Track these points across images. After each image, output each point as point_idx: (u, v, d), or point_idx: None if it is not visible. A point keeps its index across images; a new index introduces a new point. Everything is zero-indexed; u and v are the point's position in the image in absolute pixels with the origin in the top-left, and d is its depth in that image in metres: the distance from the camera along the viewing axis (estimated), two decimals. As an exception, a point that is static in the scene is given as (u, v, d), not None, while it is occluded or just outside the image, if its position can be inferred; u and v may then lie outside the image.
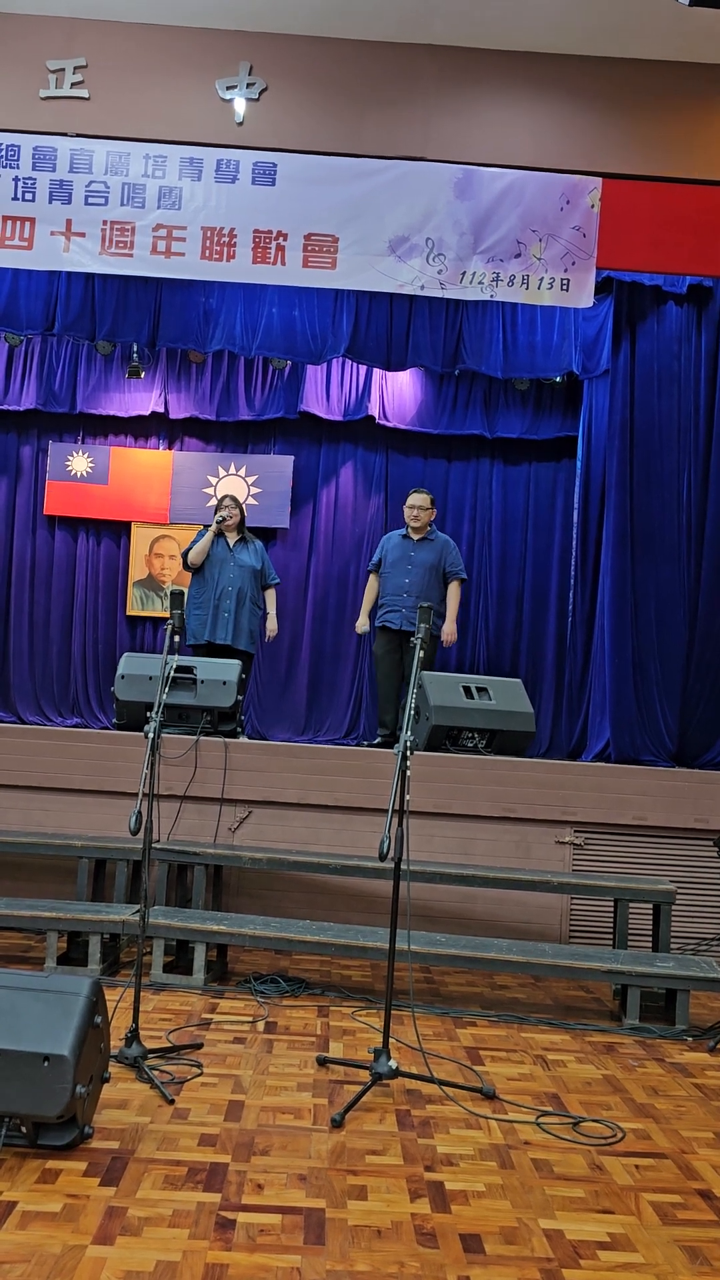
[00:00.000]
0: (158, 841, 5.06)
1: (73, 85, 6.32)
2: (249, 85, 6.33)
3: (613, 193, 6.32)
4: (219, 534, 6.73)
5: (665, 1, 5.63)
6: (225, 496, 6.93)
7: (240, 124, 6.34)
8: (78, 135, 6.31)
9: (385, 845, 3.25)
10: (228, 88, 6.34)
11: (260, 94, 6.35)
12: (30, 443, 8.67)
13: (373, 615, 6.85)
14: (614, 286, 6.92)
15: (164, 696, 3.65)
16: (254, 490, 8.46)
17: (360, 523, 8.58)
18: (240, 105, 6.33)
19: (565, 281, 6.32)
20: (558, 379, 7.97)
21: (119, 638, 8.62)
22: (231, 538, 6.76)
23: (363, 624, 6.91)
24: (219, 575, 6.68)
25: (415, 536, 6.78)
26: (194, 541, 6.80)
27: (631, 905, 4.96)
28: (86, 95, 6.33)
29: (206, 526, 6.84)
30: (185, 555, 6.82)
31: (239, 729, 5.87)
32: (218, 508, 6.84)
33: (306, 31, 6.32)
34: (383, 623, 6.76)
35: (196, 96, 6.34)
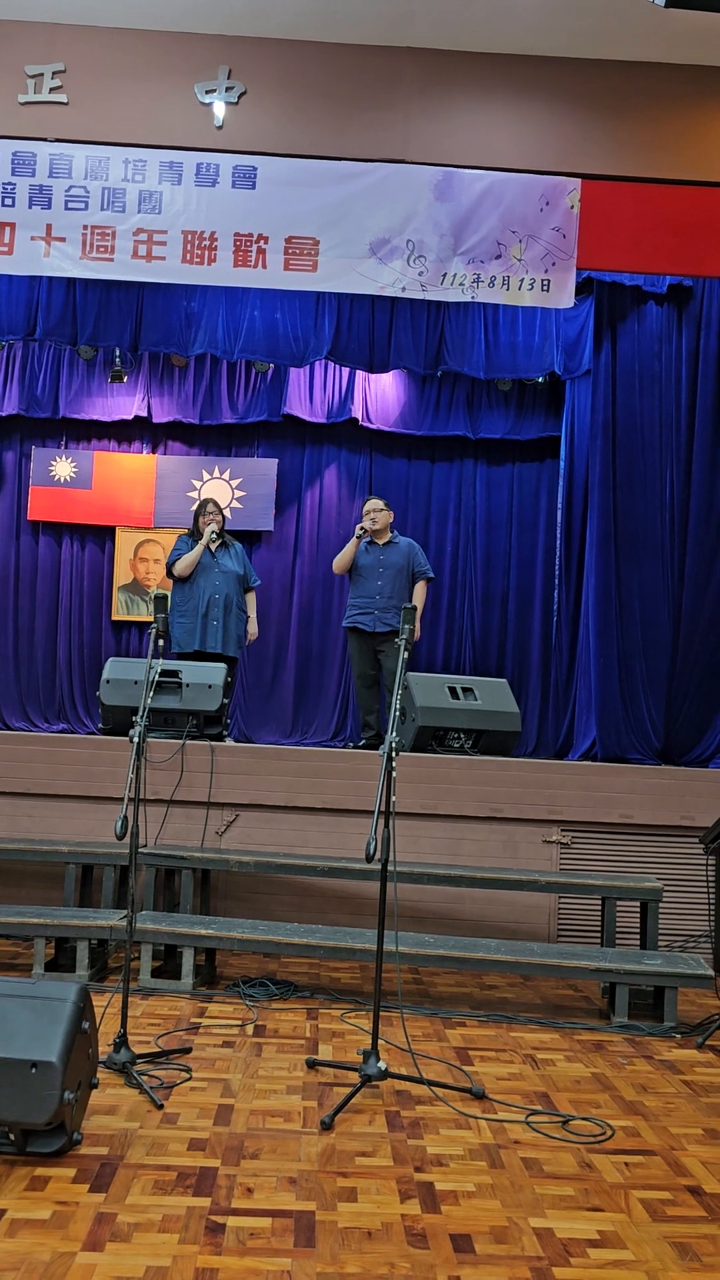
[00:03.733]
0: (145, 846, 5.05)
1: (51, 90, 6.31)
2: (228, 89, 6.33)
3: (592, 193, 6.35)
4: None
5: (643, 4, 5.66)
6: (208, 502, 6.84)
7: (220, 128, 6.34)
8: (57, 140, 6.30)
9: (372, 847, 3.26)
10: (207, 91, 6.34)
11: (239, 98, 6.35)
12: (13, 448, 8.64)
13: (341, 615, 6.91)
14: (595, 287, 6.95)
15: (149, 701, 3.64)
16: (238, 493, 8.46)
17: (345, 524, 8.57)
18: (219, 109, 6.33)
19: (546, 282, 6.33)
20: (540, 379, 8.02)
21: (104, 643, 8.60)
22: (212, 544, 6.71)
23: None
24: (204, 583, 6.62)
25: (380, 541, 6.79)
26: (176, 551, 6.72)
27: (619, 903, 4.97)
28: (65, 100, 6.32)
29: (188, 532, 6.78)
30: (170, 566, 6.73)
31: (225, 732, 5.86)
32: (200, 511, 6.75)
33: (285, 35, 6.33)
34: (354, 624, 6.78)
35: (175, 101, 6.34)
